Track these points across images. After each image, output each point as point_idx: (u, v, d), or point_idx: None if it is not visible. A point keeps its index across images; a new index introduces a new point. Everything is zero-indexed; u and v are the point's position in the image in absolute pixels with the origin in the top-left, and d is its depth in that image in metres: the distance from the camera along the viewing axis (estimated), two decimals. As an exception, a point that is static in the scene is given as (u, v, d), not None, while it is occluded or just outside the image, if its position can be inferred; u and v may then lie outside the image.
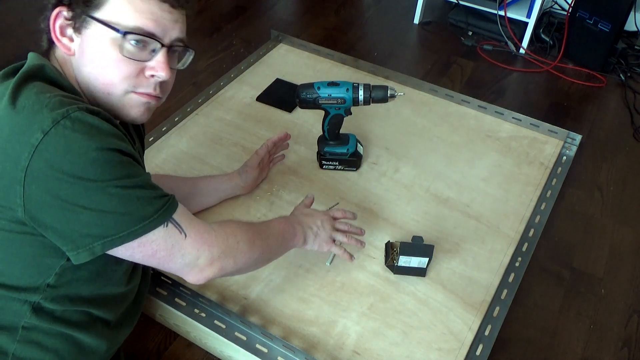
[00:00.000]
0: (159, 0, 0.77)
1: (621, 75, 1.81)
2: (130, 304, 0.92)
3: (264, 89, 1.61)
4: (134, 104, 0.81)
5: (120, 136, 0.72)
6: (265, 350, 1.00)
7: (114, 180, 0.69)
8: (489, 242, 1.22)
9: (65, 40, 0.78)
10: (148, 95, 0.81)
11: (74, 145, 0.67)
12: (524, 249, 1.21)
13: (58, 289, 0.76)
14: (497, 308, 1.09)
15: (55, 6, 0.77)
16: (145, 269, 0.96)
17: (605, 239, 1.30)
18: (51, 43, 0.80)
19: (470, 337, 1.05)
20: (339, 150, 1.33)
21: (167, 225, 0.76)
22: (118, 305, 0.87)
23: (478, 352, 1.02)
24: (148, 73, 0.79)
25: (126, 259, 0.76)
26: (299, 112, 1.53)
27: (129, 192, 0.71)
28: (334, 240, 1.07)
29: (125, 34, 0.75)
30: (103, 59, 0.77)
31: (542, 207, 1.31)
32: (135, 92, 0.80)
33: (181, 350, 1.07)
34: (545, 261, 1.24)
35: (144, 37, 0.77)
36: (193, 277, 0.82)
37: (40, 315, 0.76)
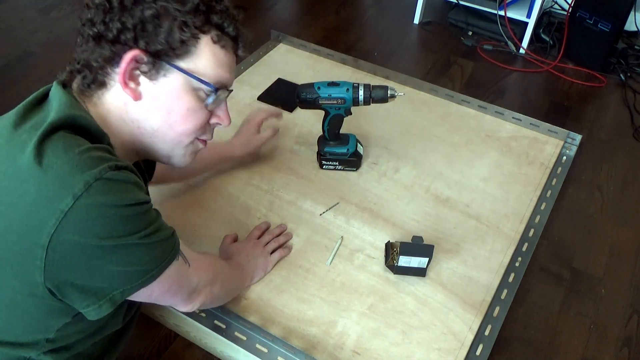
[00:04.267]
0: (233, 53, 0.79)
1: (621, 75, 1.81)
2: (119, 334, 0.90)
3: (264, 89, 1.61)
4: (191, 151, 0.83)
5: (143, 187, 0.71)
6: (265, 350, 1.00)
7: (140, 232, 0.68)
8: (489, 242, 1.22)
9: (132, 85, 0.73)
10: (205, 142, 0.84)
11: (103, 207, 0.64)
12: (524, 249, 1.21)
13: (57, 342, 0.74)
14: (497, 308, 1.09)
15: (126, 48, 0.71)
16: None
17: (605, 239, 1.30)
18: (93, 82, 0.74)
19: (470, 337, 1.05)
20: (339, 150, 1.33)
21: (178, 259, 0.76)
22: (111, 341, 0.87)
23: (478, 352, 1.02)
24: (213, 121, 0.82)
25: (142, 300, 0.76)
26: (299, 112, 1.53)
27: (153, 239, 0.70)
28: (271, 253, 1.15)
29: (216, 89, 0.77)
30: (182, 108, 0.76)
31: (542, 207, 1.31)
32: (199, 139, 0.82)
33: (181, 350, 1.07)
34: (545, 261, 1.24)
35: (228, 91, 0.80)
36: (191, 303, 0.85)
37: None
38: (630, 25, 1.96)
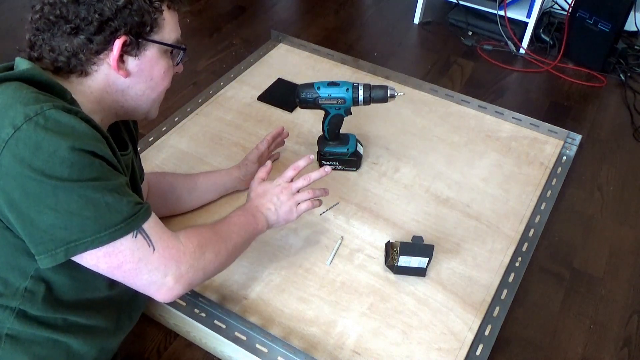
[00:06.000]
0: (177, 12, 0.85)
1: (621, 75, 1.81)
2: (122, 310, 0.89)
3: (264, 89, 1.61)
4: (160, 102, 0.90)
5: (96, 138, 0.71)
6: (265, 350, 1.00)
7: (83, 182, 0.68)
8: (489, 242, 1.22)
9: (122, 65, 0.80)
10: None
11: (44, 142, 0.65)
12: (524, 249, 1.21)
13: (36, 294, 0.74)
14: (497, 308, 1.09)
15: (112, 37, 0.77)
16: None
17: (605, 239, 1.30)
18: (75, 71, 0.78)
19: (470, 337, 1.05)
20: (339, 150, 1.33)
21: (135, 236, 0.73)
22: (103, 311, 0.84)
23: (478, 352, 1.02)
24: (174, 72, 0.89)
25: (91, 268, 0.73)
26: (299, 112, 1.53)
27: (98, 196, 0.69)
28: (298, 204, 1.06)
29: (184, 49, 0.85)
30: (160, 72, 0.84)
31: (542, 207, 1.31)
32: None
33: (181, 350, 1.07)
34: (545, 261, 1.24)
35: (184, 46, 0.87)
36: (161, 295, 0.79)
37: (23, 321, 0.74)
38: (630, 25, 1.96)
